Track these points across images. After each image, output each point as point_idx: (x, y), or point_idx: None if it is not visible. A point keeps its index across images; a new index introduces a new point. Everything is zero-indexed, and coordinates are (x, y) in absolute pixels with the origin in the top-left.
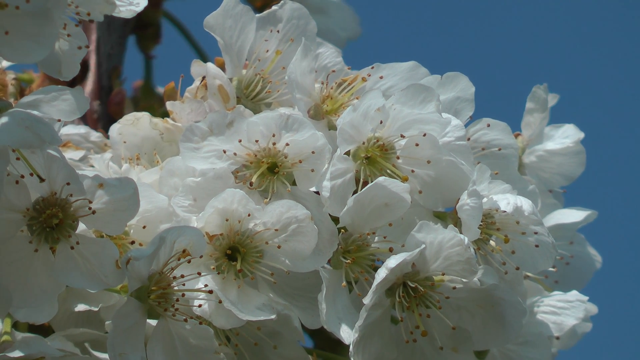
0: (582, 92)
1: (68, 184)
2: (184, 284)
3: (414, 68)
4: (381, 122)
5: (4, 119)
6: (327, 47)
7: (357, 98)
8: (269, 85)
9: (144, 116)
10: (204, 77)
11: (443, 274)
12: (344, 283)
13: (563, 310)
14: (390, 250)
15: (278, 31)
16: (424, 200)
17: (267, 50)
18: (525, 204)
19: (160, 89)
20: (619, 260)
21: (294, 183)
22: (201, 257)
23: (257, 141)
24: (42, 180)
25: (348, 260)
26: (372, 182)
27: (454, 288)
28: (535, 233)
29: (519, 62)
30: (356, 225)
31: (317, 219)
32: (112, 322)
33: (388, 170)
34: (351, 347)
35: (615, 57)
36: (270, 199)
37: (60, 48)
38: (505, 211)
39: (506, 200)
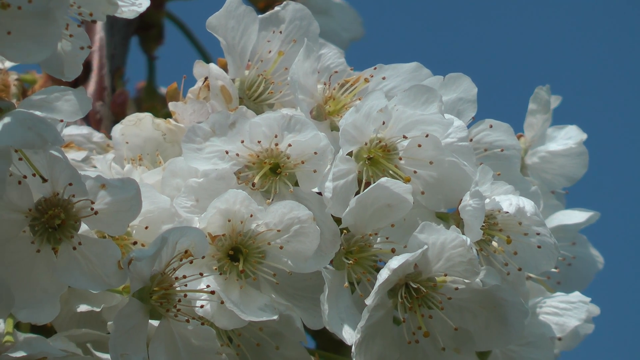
0: (585, 94)
1: (70, 184)
2: (186, 285)
3: (416, 69)
4: (384, 123)
5: (7, 120)
6: (329, 48)
7: (359, 99)
8: (272, 86)
9: (146, 117)
10: (206, 78)
11: (445, 275)
12: (347, 284)
13: (565, 311)
14: (393, 251)
15: (281, 32)
16: (426, 201)
17: (270, 51)
18: (528, 205)
19: (163, 90)
20: (621, 261)
21: (296, 184)
22: (203, 257)
23: (259, 142)
24: (44, 180)
25: (350, 261)
26: (374, 183)
27: (456, 289)
28: (538, 234)
29: (521, 63)
30: (358, 226)
31: (319, 220)
32: (114, 323)
33: (390, 171)
34: (353, 347)
35: (618, 58)
36: (272, 200)
37: (62, 48)
38: (507, 212)
39: (509, 201)
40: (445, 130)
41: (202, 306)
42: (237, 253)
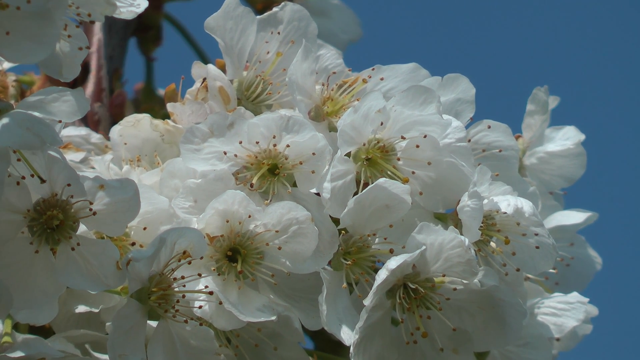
0: (583, 94)
1: (69, 185)
2: (184, 285)
3: (414, 70)
4: (382, 124)
5: (5, 120)
6: (327, 49)
7: (357, 100)
8: (270, 87)
9: (144, 118)
10: (204, 79)
11: (444, 276)
12: (345, 284)
13: (563, 311)
14: (391, 251)
15: (279, 33)
16: (424, 202)
17: (268, 52)
18: (526, 205)
19: (161, 91)
20: (619, 261)
21: (294, 184)
22: (202, 258)
23: (257, 143)
24: (43, 181)
25: (349, 262)
26: (372, 183)
27: (455, 289)
28: (536, 234)
29: (520, 64)
30: (357, 226)
31: (317, 221)
32: (113, 324)
33: (389, 172)
34: (352, 348)
35: (616, 59)
36: (270, 201)
37: (61, 49)
38: (505, 213)
39: (507, 202)
40: (443, 130)
41: (200, 307)
42: (236, 254)
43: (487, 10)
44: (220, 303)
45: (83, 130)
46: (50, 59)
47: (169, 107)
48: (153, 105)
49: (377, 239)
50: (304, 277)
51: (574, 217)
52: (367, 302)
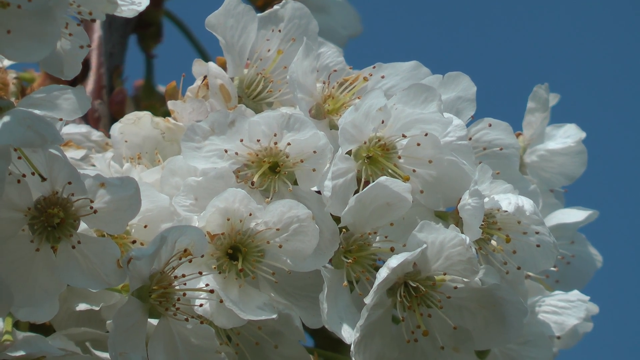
0: (584, 92)
1: (69, 183)
2: (185, 284)
3: (415, 68)
4: (383, 122)
5: (6, 118)
6: (328, 47)
7: (358, 98)
8: (271, 84)
9: (145, 115)
10: (205, 77)
11: (444, 274)
12: (345, 283)
13: (564, 310)
14: (392, 250)
15: (280, 30)
16: (425, 200)
17: (269, 50)
18: (527, 203)
19: (162, 88)
20: (619, 260)
21: (295, 182)
22: (202, 256)
23: (258, 140)
24: (43, 179)
25: (349, 260)
26: (373, 181)
27: (455, 288)
28: (537, 233)
29: (520, 62)
30: (357, 224)
31: (318, 219)
32: (113, 322)
33: (389, 170)
34: (352, 346)
35: (616, 56)
36: (271, 199)
37: (62, 47)
38: (506, 211)
39: (508, 200)
40: (444, 129)
41: (201, 305)
42: (236, 252)
43: (488, 7)
44: (221, 301)
45: (84, 128)
46: (52, 57)
47: (170, 104)
48: (154, 102)
49: (378, 237)
50: (304, 275)
51: (575, 215)
52: (367, 300)
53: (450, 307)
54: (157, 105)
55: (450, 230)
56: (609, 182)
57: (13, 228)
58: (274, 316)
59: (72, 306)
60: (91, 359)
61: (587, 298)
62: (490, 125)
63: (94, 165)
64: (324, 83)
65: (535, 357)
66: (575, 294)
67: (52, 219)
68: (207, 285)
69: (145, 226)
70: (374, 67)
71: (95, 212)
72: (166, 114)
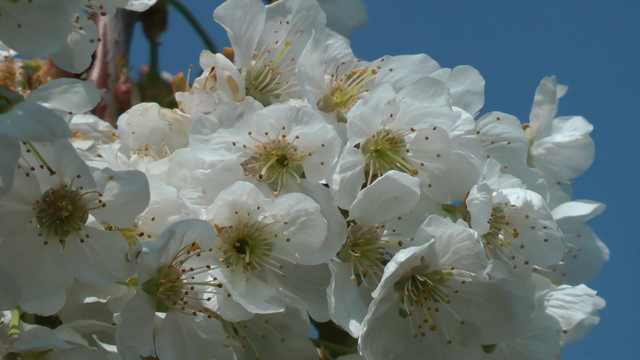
0: (591, 84)
1: (78, 176)
2: (193, 277)
3: (423, 60)
4: (391, 115)
5: (15, 112)
6: (336, 39)
7: (366, 90)
8: (278, 76)
9: (152, 107)
10: (213, 68)
11: (452, 268)
12: (353, 276)
13: (571, 304)
14: (400, 243)
15: (287, 22)
16: (433, 194)
17: (277, 42)
18: (535, 198)
19: (166, 76)
20: (626, 253)
21: (303, 176)
22: (210, 250)
23: (266, 133)
24: (52, 172)
25: (357, 254)
26: (381, 175)
27: (463, 282)
28: (545, 227)
29: (528, 55)
30: (365, 218)
31: (326, 212)
32: (121, 315)
33: (397, 164)
34: (360, 340)
35: (624, 48)
36: (279, 192)
37: (72, 41)
38: (514, 205)
39: (516, 195)
40: (452, 122)
41: (208, 299)
42: (244, 245)
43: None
44: (229, 295)
45: (90, 119)
46: (62, 51)
47: (177, 96)
48: (159, 91)
49: (385, 231)
50: (312, 269)
51: (582, 208)
52: (375, 294)
53: (458, 301)
54: (162, 94)
55: (458, 224)
56: (616, 175)
57: (21, 221)
58: (282, 310)
59: (79, 298)
60: (98, 352)
61: (594, 292)
62: (498, 118)
63: (100, 156)
64: (332, 75)
65: (542, 351)
66: (582, 288)
67: (61, 212)
68: (214, 279)
69: (153, 218)
70: (382, 60)
71: (103, 205)
72: (172, 103)
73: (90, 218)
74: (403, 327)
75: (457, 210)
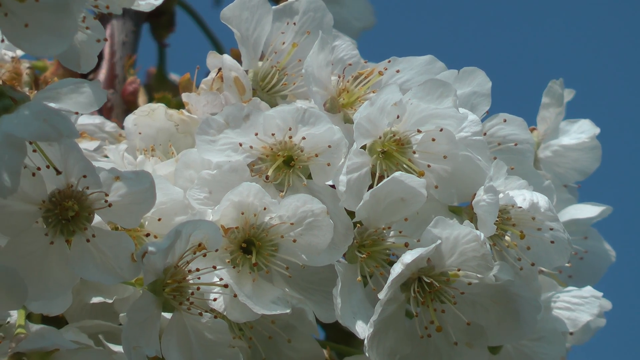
0: (598, 87)
1: (84, 176)
2: (199, 278)
3: (430, 62)
4: (398, 117)
5: (22, 112)
6: (343, 40)
7: (373, 92)
8: (285, 77)
9: (159, 107)
10: (219, 69)
11: (458, 270)
12: (359, 277)
13: (577, 306)
14: (406, 245)
15: (294, 23)
16: (439, 195)
17: (284, 43)
18: (542, 200)
19: (174, 77)
20: (633, 255)
21: (309, 177)
22: (216, 250)
23: (273, 134)
24: (58, 172)
25: (363, 255)
26: (388, 176)
27: (469, 284)
28: (551, 229)
29: (535, 57)
30: (372, 219)
31: (332, 213)
32: (127, 315)
33: (404, 165)
34: (366, 341)
35: (632, 52)
36: (286, 193)
37: (78, 41)
38: (521, 207)
39: (522, 196)
40: (459, 124)
41: (214, 299)
42: (250, 246)
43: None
44: (235, 295)
45: (97, 119)
46: (69, 51)
47: (184, 97)
48: (166, 92)
49: (392, 232)
50: (318, 270)
51: (588, 210)
52: (381, 295)
53: (464, 302)
54: (169, 95)
55: (465, 226)
56: (623, 177)
57: (27, 221)
58: (288, 311)
59: (85, 299)
60: (104, 352)
61: (600, 294)
62: (505, 120)
63: (107, 157)
64: (339, 77)
65: (548, 353)
66: (588, 290)
67: (67, 212)
68: (221, 279)
69: (159, 219)
70: (389, 61)
71: (110, 205)
72: (179, 104)
73: (97, 218)
74: (409, 328)
75: (463, 211)
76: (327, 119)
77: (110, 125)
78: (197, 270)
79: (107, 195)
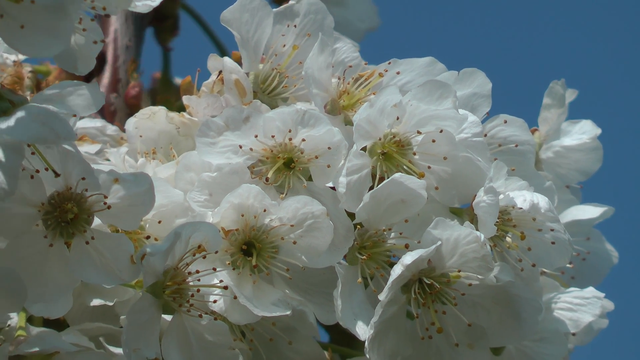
0: (600, 87)
1: (83, 178)
2: (199, 280)
3: (430, 64)
4: (398, 118)
5: (20, 114)
6: (344, 42)
7: (373, 93)
8: (286, 80)
9: (160, 110)
10: (220, 72)
11: (459, 271)
12: (360, 279)
13: (579, 306)
14: (406, 246)
15: (295, 26)
16: (440, 197)
17: (284, 45)
18: (542, 201)
19: (179, 81)
20: (635, 256)
21: (310, 178)
22: (216, 252)
23: (273, 136)
24: (57, 175)
25: (364, 256)
26: (388, 178)
27: (470, 285)
28: (552, 230)
29: (536, 58)
30: (372, 221)
31: (333, 215)
32: (127, 317)
33: (404, 166)
34: (366, 343)
35: (634, 52)
36: (286, 195)
37: (75, 42)
38: (521, 208)
39: (523, 197)
40: (459, 125)
41: (215, 301)
42: (250, 248)
43: (505, 2)
44: (235, 297)
45: (99, 122)
46: (65, 53)
47: (185, 99)
48: (169, 96)
49: (392, 234)
50: (319, 272)
51: (590, 211)
52: (382, 297)
53: (465, 304)
54: (172, 99)
55: (465, 227)
56: (624, 178)
57: (27, 223)
58: (288, 312)
59: (85, 301)
60: (105, 355)
61: (602, 295)
62: (505, 121)
63: (108, 160)
64: (339, 79)
65: (550, 354)
66: (590, 291)
67: (66, 215)
68: (221, 281)
69: (160, 221)
70: (390, 63)
71: (109, 207)
72: (181, 108)
73: (96, 220)
74: (410, 329)
75: (464, 213)
76: (327, 120)
77: (111, 129)
78: (197, 272)
79: (106, 197)
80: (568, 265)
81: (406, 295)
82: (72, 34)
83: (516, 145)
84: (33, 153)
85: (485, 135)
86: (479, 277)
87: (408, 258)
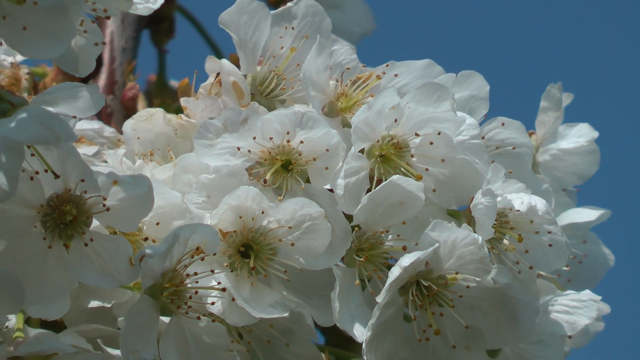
0: (597, 91)
1: (82, 180)
2: (197, 282)
3: (428, 66)
4: (396, 121)
5: (19, 116)
6: (341, 44)
7: (371, 96)
8: (284, 82)
9: (158, 112)
10: (218, 74)
11: (456, 273)
12: (358, 281)
13: (576, 309)
14: (404, 248)
15: (293, 28)
16: (437, 199)
17: (282, 47)
18: (539, 203)
19: (174, 83)
20: (632, 259)
21: (308, 180)
22: (214, 254)
23: (271, 138)
24: (56, 176)
25: (361, 259)
26: (386, 180)
27: (468, 287)
28: (549, 232)
29: (533, 61)
30: (370, 223)
31: (330, 217)
32: (125, 319)
33: (402, 169)
34: (364, 345)
35: (631, 55)
36: (284, 197)
37: (76, 44)
38: (519, 210)
39: (520, 200)
40: (457, 128)
41: (213, 303)
42: (248, 250)
43: (502, 5)
44: (233, 299)
45: (96, 124)
46: (67, 55)
47: (183, 101)
48: (166, 98)
49: (390, 236)
50: (316, 274)
51: (587, 214)
52: (379, 299)
53: (462, 306)
54: (169, 101)
55: (463, 229)
56: (621, 181)
57: (25, 225)
58: (286, 314)
59: (83, 303)
60: (102, 356)
61: (598, 298)
62: (503, 124)
63: (106, 162)
64: (337, 81)
65: (547, 357)
66: (587, 294)
67: (65, 217)
68: (219, 283)
69: (158, 223)
70: (387, 65)
71: (107, 209)
72: (178, 109)
73: (95, 222)
74: (407, 331)
75: (461, 215)
76: (325, 122)
77: (109, 131)
78: (195, 274)
79: (105, 199)
80: (564, 268)
81: (404, 298)
82: (74, 36)
83: (514, 148)
84: (33, 154)
85: (483, 137)
86: (477, 279)
87: (406, 260)
